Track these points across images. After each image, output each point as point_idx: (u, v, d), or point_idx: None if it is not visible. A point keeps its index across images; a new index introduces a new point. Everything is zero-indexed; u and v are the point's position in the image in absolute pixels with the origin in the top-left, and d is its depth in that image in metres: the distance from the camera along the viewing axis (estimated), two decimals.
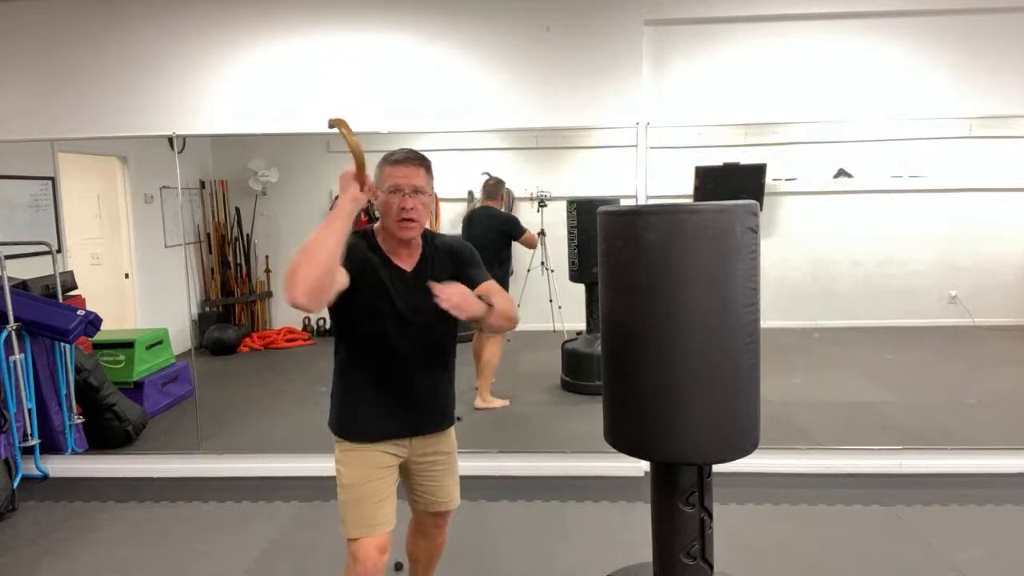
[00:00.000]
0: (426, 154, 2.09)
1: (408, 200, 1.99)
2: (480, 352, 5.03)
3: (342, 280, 1.90)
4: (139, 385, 4.82)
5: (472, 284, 2.08)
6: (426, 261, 2.12)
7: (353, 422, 2.10)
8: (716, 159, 6.90)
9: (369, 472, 2.07)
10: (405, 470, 2.22)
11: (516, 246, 5.13)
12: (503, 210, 5.32)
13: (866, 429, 4.42)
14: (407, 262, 2.10)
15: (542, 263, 6.53)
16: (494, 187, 5.11)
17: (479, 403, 4.95)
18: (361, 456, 2.08)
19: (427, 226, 2.13)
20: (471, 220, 5.09)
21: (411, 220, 2.00)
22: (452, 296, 1.90)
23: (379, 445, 2.09)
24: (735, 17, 3.76)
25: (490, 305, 2.00)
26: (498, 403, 4.99)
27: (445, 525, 2.36)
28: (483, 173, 5.77)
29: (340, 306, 2.00)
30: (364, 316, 2.04)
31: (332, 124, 1.91)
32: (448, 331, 2.16)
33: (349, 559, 2.06)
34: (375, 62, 3.85)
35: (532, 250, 5.69)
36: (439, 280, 2.01)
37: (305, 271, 1.72)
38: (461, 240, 2.26)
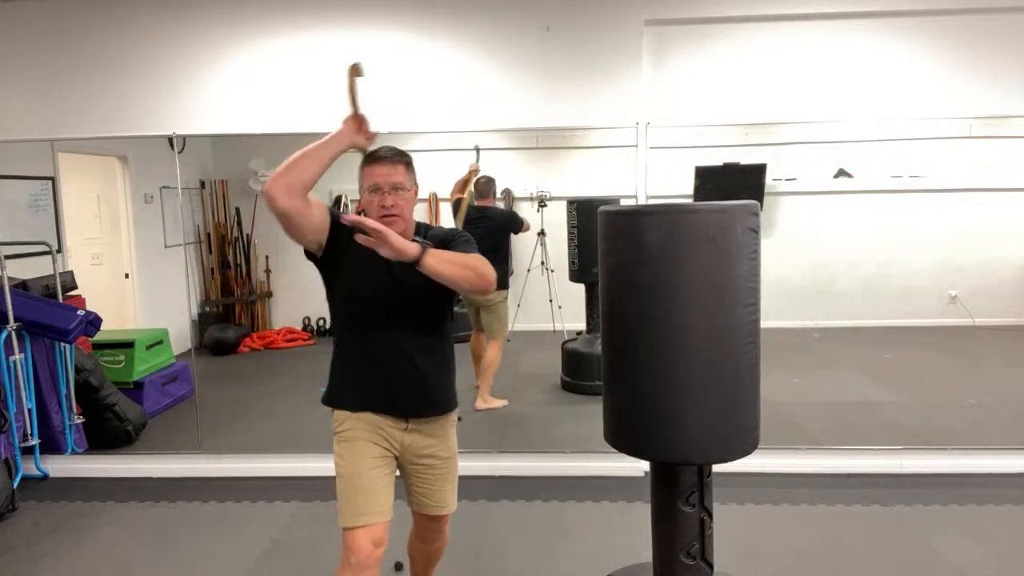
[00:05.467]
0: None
1: (387, 198, 2.01)
2: (479, 352, 5.04)
3: (320, 217, 1.99)
4: (139, 385, 4.82)
5: None
6: None
7: (338, 393, 2.14)
8: (716, 159, 6.90)
9: (363, 461, 2.07)
10: (402, 469, 2.20)
11: (513, 245, 5.12)
12: (501, 207, 5.30)
13: (866, 429, 4.42)
14: None
15: (542, 263, 6.54)
16: (485, 186, 5.06)
17: (479, 403, 4.95)
18: (356, 447, 2.08)
19: (427, 222, 2.12)
20: (468, 222, 4.96)
21: (393, 216, 2.01)
22: (380, 228, 1.82)
23: (370, 430, 2.08)
24: (735, 17, 3.76)
25: (427, 247, 1.91)
26: (498, 403, 4.99)
27: (442, 529, 2.33)
28: (475, 151, 5.59)
29: (326, 277, 2.11)
30: (344, 288, 2.07)
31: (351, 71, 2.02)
32: (436, 311, 2.13)
33: (343, 552, 2.03)
34: (375, 62, 3.84)
35: (524, 232, 5.58)
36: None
37: (288, 170, 1.87)
38: (452, 229, 2.23)
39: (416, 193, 2.12)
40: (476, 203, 5.07)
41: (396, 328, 2.07)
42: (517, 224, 5.07)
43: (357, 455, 2.07)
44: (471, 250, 2.08)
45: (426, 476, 2.19)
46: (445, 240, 2.10)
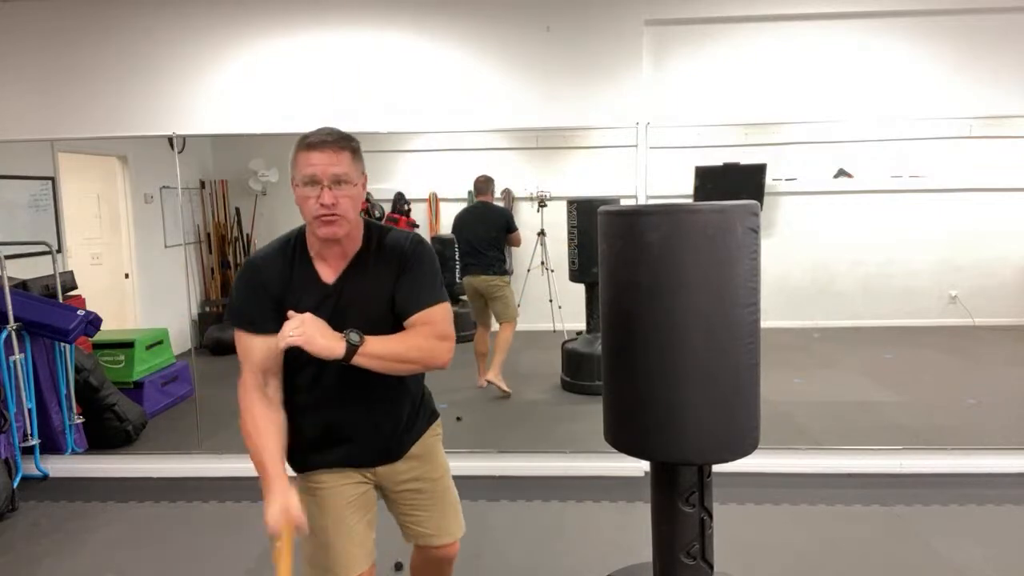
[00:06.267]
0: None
1: (327, 194, 1.60)
2: (482, 348, 5.13)
3: (271, 344, 1.70)
4: (139, 385, 4.82)
5: (403, 312, 1.71)
6: (358, 267, 1.74)
7: (299, 459, 1.83)
8: (716, 159, 6.90)
9: (335, 511, 1.79)
10: (386, 499, 1.93)
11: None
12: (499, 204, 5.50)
13: (866, 429, 4.42)
14: (335, 266, 1.73)
15: (542, 263, 6.54)
16: (484, 184, 5.27)
17: (490, 375, 5.03)
18: (324, 495, 1.79)
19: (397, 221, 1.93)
20: (469, 216, 5.24)
21: (332, 216, 1.62)
22: (297, 332, 1.58)
23: (336, 475, 1.82)
24: (735, 17, 3.76)
25: (356, 344, 1.60)
26: (504, 386, 5.06)
27: (450, 561, 2.00)
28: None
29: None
30: (300, 356, 1.69)
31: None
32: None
33: None
34: (375, 62, 3.85)
35: (515, 247, 5.71)
36: (371, 290, 1.72)
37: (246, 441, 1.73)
38: (414, 240, 1.79)
39: (364, 187, 1.72)
40: (476, 200, 5.32)
41: (359, 396, 1.78)
42: (513, 224, 5.23)
43: (329, 506, 1.79)
44: (430, 281, 1.74)
45: (414, 502, 1.90)
46: (400, 263, 1.74)
